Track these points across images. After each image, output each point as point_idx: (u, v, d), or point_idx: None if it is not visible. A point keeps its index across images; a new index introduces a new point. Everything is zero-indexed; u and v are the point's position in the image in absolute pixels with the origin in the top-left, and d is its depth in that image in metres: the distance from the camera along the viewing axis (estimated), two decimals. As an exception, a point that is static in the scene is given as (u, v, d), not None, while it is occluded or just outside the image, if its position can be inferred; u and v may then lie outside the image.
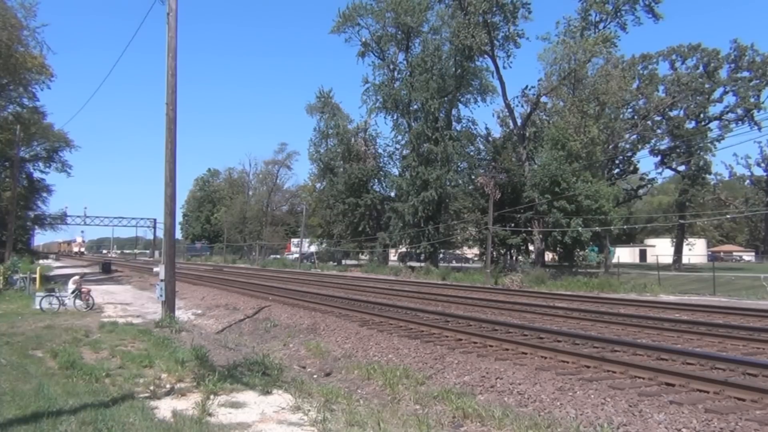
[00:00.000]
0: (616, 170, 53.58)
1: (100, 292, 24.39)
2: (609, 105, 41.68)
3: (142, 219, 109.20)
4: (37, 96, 43.55)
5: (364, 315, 17.01)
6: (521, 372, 9.46)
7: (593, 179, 38.18)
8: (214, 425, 6.52)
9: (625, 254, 72.59)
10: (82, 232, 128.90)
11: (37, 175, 57.29)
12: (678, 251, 54.79)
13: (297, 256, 72.01)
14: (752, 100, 49.14)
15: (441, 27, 49.72)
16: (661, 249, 67.32)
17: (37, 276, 25.23)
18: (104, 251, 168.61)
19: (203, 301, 24.47)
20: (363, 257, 65.56)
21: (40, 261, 61.08)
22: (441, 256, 59.17)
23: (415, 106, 52.14)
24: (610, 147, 46.09)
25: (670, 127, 51.40)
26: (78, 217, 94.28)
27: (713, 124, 52.29)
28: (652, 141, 52.82)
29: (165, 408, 7.16)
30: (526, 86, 52.15)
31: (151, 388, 8.16)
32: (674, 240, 58.97)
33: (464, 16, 44.58)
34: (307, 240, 75.73)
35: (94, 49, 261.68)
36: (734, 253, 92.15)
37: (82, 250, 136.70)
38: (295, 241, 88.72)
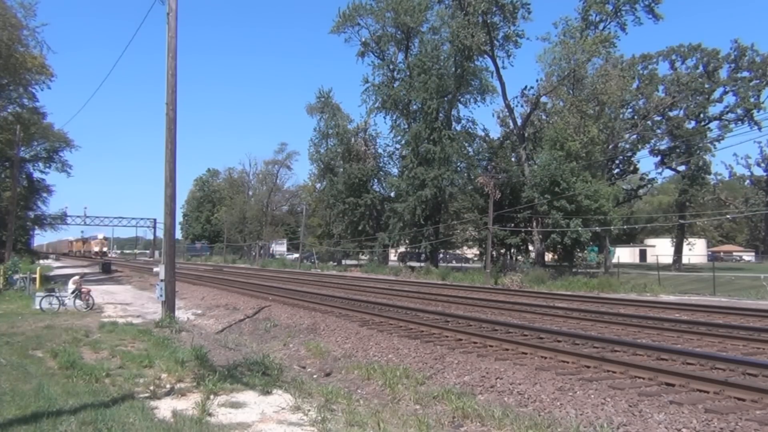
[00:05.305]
0: (616, 170, 53.61)
1: (100, 292, 24.40)
2: (608, 105, 41.67)
3: (142, 219, 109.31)
4: (37, 96, 43.72)
5: (364, 315, 17.00)
6: (521, 372, 9.46)
7: (593, 179, 38.17)
8: (214, 425, 6.52)
9: (625, 254, 72.58)
10: (82, 231, 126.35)
11: (37, 175, 57.25)
12: (678, 251, 54.81)
13: (297, 255, 71.96)
14: (752, 100, 49.18)
15: (441, 27, 49.60)
16: (661, 249, 67.30)
17: (37, 276, 25.27)
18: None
19: (203, 301, 24.47)
20: (363, 257, 65.55)
21: (41, 261, 61.14)
22: (441, 256, 59.15)
23: (415, 107, 52.10)
24: (610, 147, 46.10)
25: (670, 127, 51.42)
26: (78, 217, 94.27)
27: (713, 124, 52.46)
28: (652, 141, 52.87)
29: (165, 408, 7.16)
30: (526, 86, 52.38)
31: (151, 388, 8.16)
32: (674, 240, 58.98)
33: (464, 16, 44.53)
34: (283, 241, 74.89)
35: (94, 49, 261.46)
36: (734, 253, 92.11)
37: (105, 249, 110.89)
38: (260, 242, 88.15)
